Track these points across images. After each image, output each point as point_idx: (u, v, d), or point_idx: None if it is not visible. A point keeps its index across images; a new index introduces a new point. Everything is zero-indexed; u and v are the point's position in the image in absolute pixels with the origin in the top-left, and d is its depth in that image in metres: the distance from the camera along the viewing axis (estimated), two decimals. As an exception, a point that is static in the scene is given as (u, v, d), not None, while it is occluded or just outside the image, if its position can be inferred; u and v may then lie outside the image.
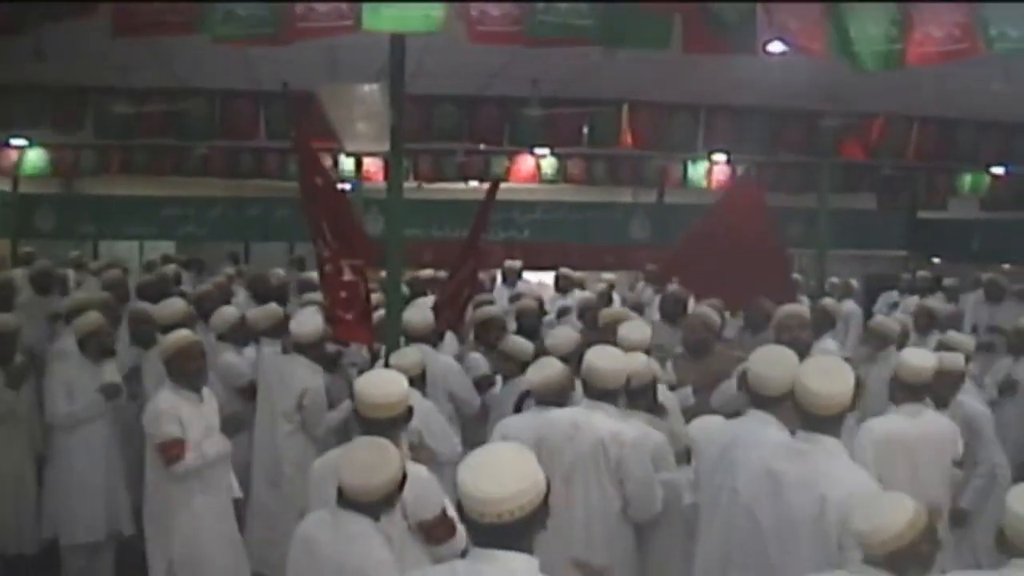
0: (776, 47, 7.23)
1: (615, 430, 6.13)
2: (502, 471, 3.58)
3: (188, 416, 6.91)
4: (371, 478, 4.53)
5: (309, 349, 8.59)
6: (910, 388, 6.71)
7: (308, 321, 8.85)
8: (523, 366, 7.93)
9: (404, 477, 4.66)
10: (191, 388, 7.03)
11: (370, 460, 4.56)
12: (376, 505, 4.58)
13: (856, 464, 5.29)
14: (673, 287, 10.83)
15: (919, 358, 6.86)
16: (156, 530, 7.01)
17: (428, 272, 14.35)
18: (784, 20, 6.51)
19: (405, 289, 10.81)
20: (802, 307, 9.61)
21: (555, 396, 6.61)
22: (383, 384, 5.56)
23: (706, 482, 5.84)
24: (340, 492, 4.64)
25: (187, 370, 7.00)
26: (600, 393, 6.28)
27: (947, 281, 16.93)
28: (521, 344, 8.56)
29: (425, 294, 11.53)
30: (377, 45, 7.59)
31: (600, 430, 6.12)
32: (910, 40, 6.58)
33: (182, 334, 7.24)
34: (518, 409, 7.60)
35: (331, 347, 9.11)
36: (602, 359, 6.33)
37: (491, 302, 11.22)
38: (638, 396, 6.77)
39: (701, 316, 9.15)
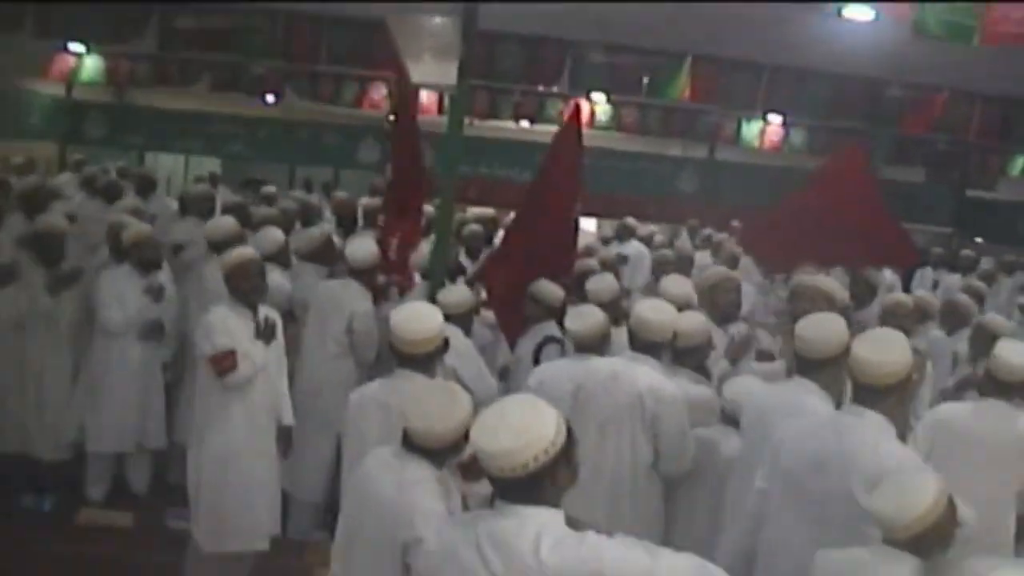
0: (852, 11, 7.13)
1: (654, 384, 6.04)
2: (509, 425, 3.52)
3: (240, 331, 6.87)
4: (439, 424, 4.42)
5: (362, 275, 8.56)
6: (1000, 385, 6.14)
7: (363, 247, 8.82)
8: (550, 311, 8.04)
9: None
10: (248, 305, 6.99)
11: (439, 406, 4.47)
12: (442, 452, 4.49)
13: (902, 444, 5.11)
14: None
15: (1018, 355, 6.21)
16: (194, 440, 6.98)
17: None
18: None
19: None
20: (906, 297, 9.32)
21: (595, 344, 6.56)
22: (417, 319, 5.52)
23: (745, 444, 5.84)
24: (406, 435, 4.55)
25: (245, 287, 6.95)
26: (645, 345, 6.23)
27: (984, 263, 16.41)
28: (550, 289, 8.33)
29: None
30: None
31: (639, 383, 6.03)
32: (988, 17, 6.49)
33: (241, 251, 7.20)
34: (537, 355, 7.68)
35: (383, 278, 9.11)
36: (651, 311, 6.28)
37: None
38: (686, 355, 6.64)
39: (822, 286, 8.00)
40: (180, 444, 8.18)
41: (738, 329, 7.56)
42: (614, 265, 10.75)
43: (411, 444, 4.49)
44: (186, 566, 6.95)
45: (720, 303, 7.87)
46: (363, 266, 8.51)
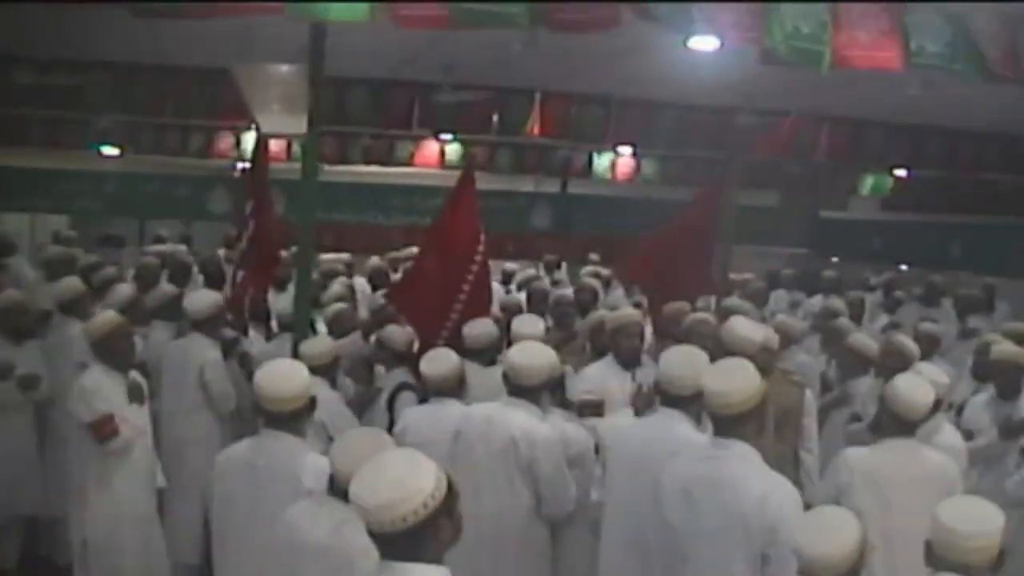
0: (698, 41, 7.17)
1: (527, 428, 6.05)
2: (388, 478, 3.45)
3: (115, 394, 6.82)
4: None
5: (204, 326, 8.45)
6: (900, 423, 5.89)
7: (201, 298, 8.76)
8: (400, 357, 8.08)
9: None
10: (119, 368, 6.93)
11: (364, 450, 4.38)
12: None
13: (770, 471, 5.11)
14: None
15: (916, 390, 5.93)
16: (76, 507, 6.91)
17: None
18: (716, 15, 6.46)
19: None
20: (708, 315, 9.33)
21: (451, 388, 6.66)
22: (282, 376, 5.42)
23: (617, 483, 5.85)
24: (332, 480, 4.55)
25: (116, 351, 6.91)
26: (519, 389, 6.19)
27: (826, 273, 16.73)
28: (399, 334, 8.39)
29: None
30: (294, 25, 7.40)
31: (513, 428, 6.05)
32: (837, 42, 6.59)
33: (109, 315, 7.19)
34: (391, 402, 7.60)
35: (229, 333, 8.95)
36: (523, 355, 6.25)
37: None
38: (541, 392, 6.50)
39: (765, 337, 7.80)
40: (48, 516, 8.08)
41: (644, 375, 7.36)
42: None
43: (337, 488, 4.44)
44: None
45: (623, 347, 7.72)
46: (203, 316, 8.40)
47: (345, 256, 14.69)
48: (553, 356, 6.35)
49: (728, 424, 5.01)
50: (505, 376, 6.28)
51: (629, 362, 7.62)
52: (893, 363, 8.19)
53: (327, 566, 4.40)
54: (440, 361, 6.78)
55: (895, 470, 5.73)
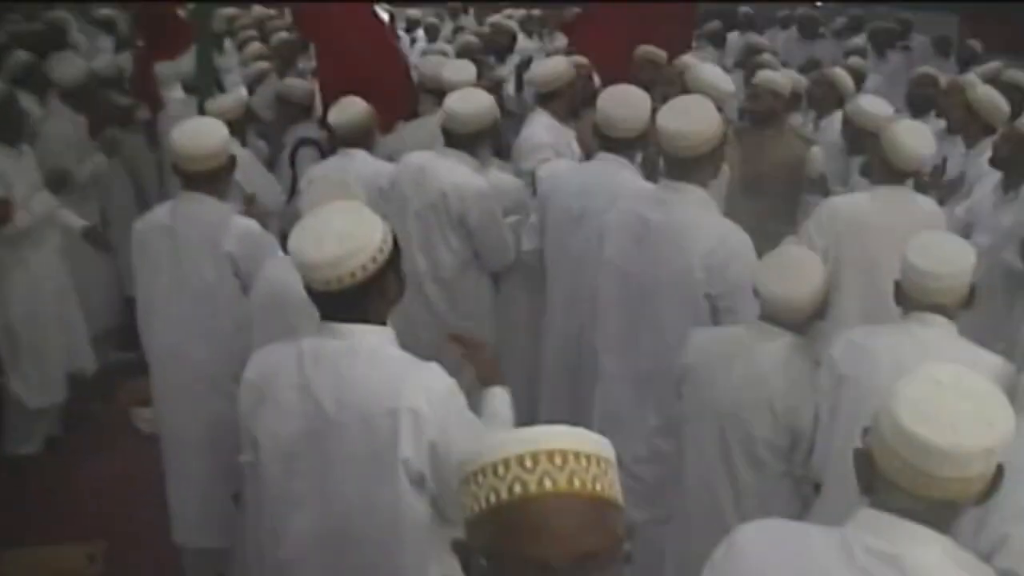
0: None
1: (459, 182, 5.77)
2: (334, 232, 3.17)
3: (10, 172, 6.63)
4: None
5: (71, 98, 8.10)
6: (894, 170, 5.45)
7: (66, 62, 8.38)
8: (304, 111, 7.95)
9: None
10: (5, 141, 6.69)
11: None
12: None
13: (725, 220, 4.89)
14: None
15: (918, 139, 5.44)
16: None
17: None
18: None
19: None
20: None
21: (359, 138, 6.50)
22: (200, 133, 5.11)
23: (553, 232, 5.67)
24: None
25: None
26: (456, 138, 5.88)
27: (742, 9, 15.99)
28: (300, 87, 8.17)
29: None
30: None
31: (444, 180, 5.77)
32: None
33: None
34: (292, 158, 7.45)
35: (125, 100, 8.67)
36: (461, 102, 5.90)
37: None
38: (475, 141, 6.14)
39: (768, 81, 7.25)
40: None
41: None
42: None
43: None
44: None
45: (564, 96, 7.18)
46: (72, 86, 8.03)
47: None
48: (491, 102, 6.00)
49: (683, 166, 4.74)
50: (443, 127, 5.96)
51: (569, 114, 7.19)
52: (825, 96, 8.00)
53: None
54: (348, 108, 6.52)
55: (884, 217, 5.31)
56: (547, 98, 6.96)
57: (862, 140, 6.65)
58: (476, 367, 3.66)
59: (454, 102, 5.89)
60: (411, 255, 5.73)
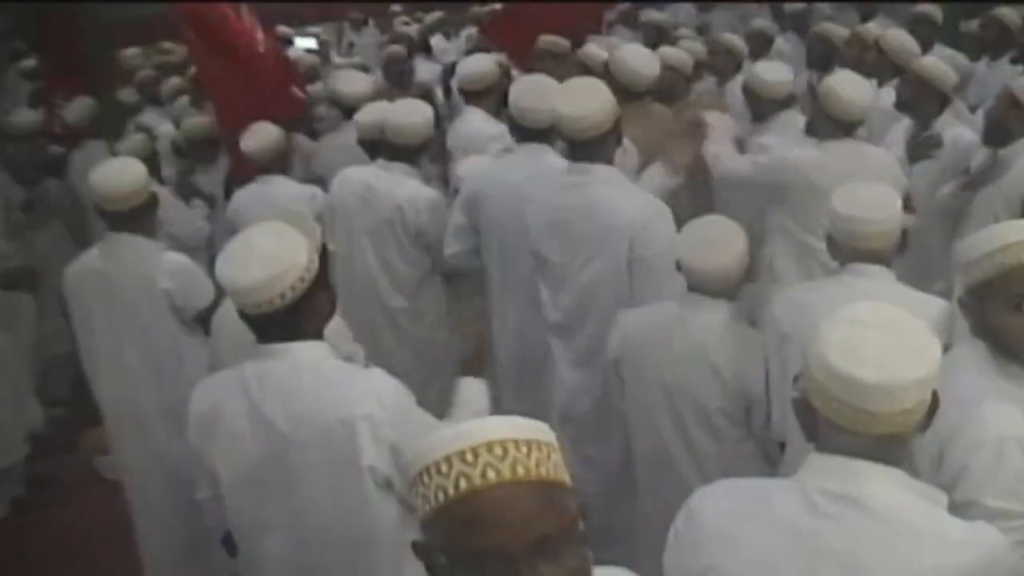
0: None
1: (413, 195, 5.76)
2: (260, 256, 3.18)
3: None
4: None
5: None
6: (838, 123, 5.50)
7: None
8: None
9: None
10: None
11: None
12: None
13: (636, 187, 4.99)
14: None
15: (854, 88, 5.52)
16: None
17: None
18: None
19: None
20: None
21: (273, 163, 6.49)
22: (118, 172, 5.09)
23: (485, 225, 5.62)
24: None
25: None
26: (397, 151, 5.85)
27: None
28: (198, 122, 8.04)
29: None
30: None
31: (396, 195, 5.75)
32: None
33: None
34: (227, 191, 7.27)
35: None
36: (401, 114, 5.87)
37: None
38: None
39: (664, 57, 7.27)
40: None
41: None
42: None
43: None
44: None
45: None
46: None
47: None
48: (431, 113, 5.97)
49: (585, 148, 4.78)
50: (383, 141, 5.93)
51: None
52: (723, 63, 8.04)
53: None
54: (260, 134, 6.51)
55: (839, 169, 5.18)
56: (476, 96, 6.95)
57: (763, 107, 6.74)
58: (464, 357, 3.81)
59: (397, 115, 5.86)
60: (367, 272, 5.84)
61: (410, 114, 5.85)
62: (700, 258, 4.14)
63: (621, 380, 4.47)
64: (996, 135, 5.67)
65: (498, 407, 5.55)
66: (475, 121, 6.86)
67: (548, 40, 8.24)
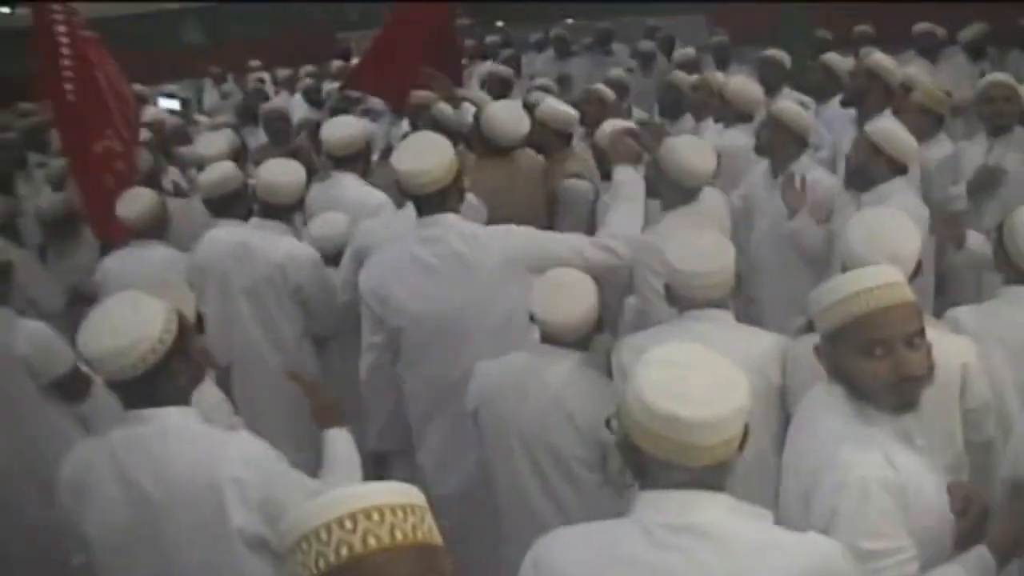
0: None
1: (292, 253, 5.76)
2: (112, 326, 3.24)
3: None
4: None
5: None
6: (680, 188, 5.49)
7: None
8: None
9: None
10: None
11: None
12: None
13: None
14: None
15: (695, 153, 5.50)
16: None
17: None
18: None
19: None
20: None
21: (151, 229, 6.38)
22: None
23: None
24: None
25: None
26: (271, 209, 5.88)
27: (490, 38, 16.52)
28: (56, 201, 7.76)
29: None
30: None
31: (275, 253, 5.73)
32: None
33: None
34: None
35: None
36: (273, 173, 5.88)
37: None
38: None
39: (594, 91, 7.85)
40: None
41: None
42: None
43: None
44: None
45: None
46: None
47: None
48: (303, 171, 6.01)
49: (430, 201, 4.79)
50: (258, 198, 5.97)
51: None
52: (596, 112, 8.17)
53: None
54: (137, 200, 6.39)
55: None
56: (346, 161, 6.87)
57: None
58: (313, 409, 3.79)
59: (271, 174, 5.87)
60: (244, 331, 5.79)
61: (282, 173, 5.87)
62: (552, 311, 4.22)
63: (479, 429, 4.51)
64: (858, 178, 5.83)
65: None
66: (350, 188, 6.75)
67: (417, 95, 8.36)
